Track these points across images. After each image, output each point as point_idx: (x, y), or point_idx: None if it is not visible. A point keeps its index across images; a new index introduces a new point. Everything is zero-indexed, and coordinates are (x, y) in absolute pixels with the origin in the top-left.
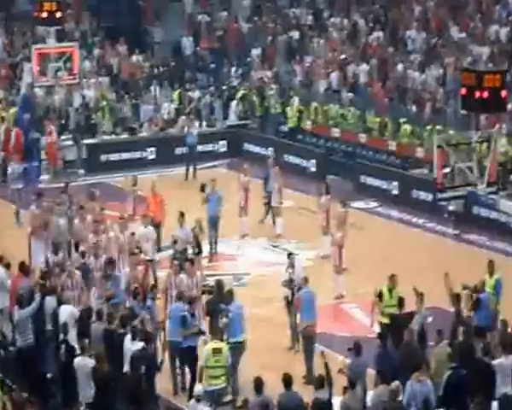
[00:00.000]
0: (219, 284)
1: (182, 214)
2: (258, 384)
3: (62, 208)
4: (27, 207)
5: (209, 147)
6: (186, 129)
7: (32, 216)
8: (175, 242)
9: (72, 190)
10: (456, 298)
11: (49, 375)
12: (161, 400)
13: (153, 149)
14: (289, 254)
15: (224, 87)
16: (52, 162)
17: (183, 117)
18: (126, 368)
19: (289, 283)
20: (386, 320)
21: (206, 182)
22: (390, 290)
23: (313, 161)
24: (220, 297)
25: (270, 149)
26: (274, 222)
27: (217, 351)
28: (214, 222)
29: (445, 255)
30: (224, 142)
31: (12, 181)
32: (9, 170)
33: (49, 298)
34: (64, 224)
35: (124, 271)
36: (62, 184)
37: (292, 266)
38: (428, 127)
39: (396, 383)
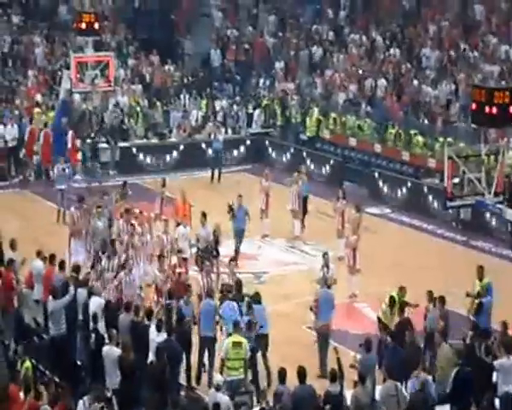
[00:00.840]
0: (238, 283)
1: (204, 214)
2: (282, 375)
3: (101, 210)
4: (69, 207)
5: (233, 153)
6: (213, 135)
7: (72, 218)
8: (198, 240)
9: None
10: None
11: (78, 362)
12: (183, 388)
13: (181, 152)
14: (324, 254)
15: (249, 97)
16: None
17: (210, 124)
18: (152, 358)
19: (323, 281)
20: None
21: (233, 200)
22: (399, 298)
23: (330, 168)
24: (239, 296)
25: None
26: (303, 225)
27: (236, 344)
28: (240, 234)
29: (453, 260)
30: (247, 148)
31: (56, 181)
32: (55, 171)
33: (81, 290)
34: (102, 226)
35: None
36: (95, 184)
37: (326, 265)
38: (440, 139)
39: (423, 375)
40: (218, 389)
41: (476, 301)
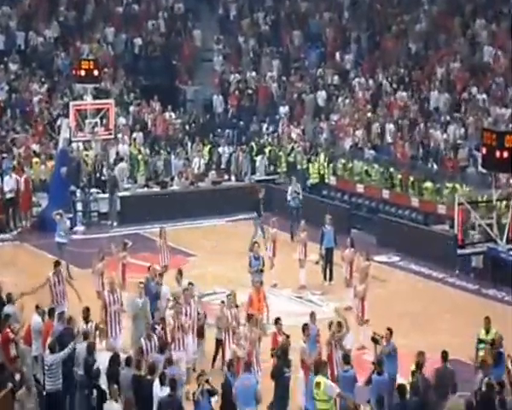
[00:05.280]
0: (284, 349)
1: (180, 272)
2: None
3: (143, 287)
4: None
5: (237, 200)
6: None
7: (104, 302)
8: (174, 298)
9: (107, 242)
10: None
11: None
12: None
13: (183, 201)
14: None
15: (253, 143)
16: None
17: (213, 172)
18: None
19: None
20: None
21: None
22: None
23: (338, 215)
24: (285, 362)
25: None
26: (331, 277)
27: (316, 385)
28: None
29: (464, 309)
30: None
31: (56, 235)
32: (58, 224)
33: (80, 345)
34: (140, 304)
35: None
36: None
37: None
38: (450, 185)
39: None
40: None
41: (493, 351)
